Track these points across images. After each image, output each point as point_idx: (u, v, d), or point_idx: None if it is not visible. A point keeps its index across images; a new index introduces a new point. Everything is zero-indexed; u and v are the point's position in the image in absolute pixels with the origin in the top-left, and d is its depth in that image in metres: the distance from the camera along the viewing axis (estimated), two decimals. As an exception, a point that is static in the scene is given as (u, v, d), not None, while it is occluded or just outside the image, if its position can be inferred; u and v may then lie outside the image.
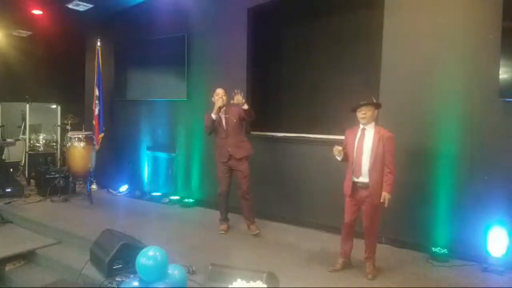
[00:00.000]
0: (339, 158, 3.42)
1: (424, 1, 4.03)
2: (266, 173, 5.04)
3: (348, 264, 3.56)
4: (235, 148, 4.40)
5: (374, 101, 3.41)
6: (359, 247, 3.53)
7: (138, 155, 6.65)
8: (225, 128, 4.43)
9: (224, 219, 4.64)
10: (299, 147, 4.89)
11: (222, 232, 4.54)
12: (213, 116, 4.36)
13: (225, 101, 4.38)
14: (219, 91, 4.44)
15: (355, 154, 3.37)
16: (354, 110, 3.40)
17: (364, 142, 3.35)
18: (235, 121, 4.41)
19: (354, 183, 3.38)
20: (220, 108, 4.34)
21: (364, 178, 3.34)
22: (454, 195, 3.82)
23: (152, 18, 6.21)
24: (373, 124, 3.38)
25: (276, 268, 3.15)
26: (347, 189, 3.42)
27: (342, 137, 3.64)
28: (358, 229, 3.52)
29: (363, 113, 3.33)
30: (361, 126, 3.39)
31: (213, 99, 4.45)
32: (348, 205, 3.45)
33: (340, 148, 3.38)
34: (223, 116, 4.44)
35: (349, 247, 3.54)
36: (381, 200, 3.28)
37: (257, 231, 4.41)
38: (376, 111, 3.39)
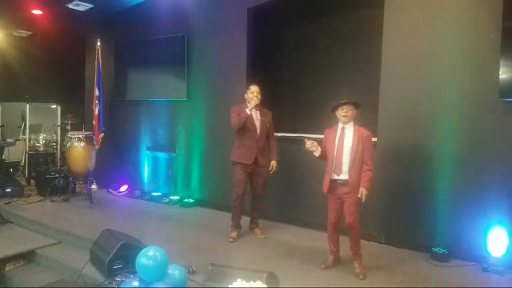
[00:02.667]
0: (316, 154, 3.50)
1: (424, 1, 4.03)
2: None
3: (338, 261, 3.64)
4: (261, 154, 4.23)
5: (354, 100, 3.46)
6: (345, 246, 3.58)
7: (138, 155, 6.65)
8: (258, 131, 4.21)
9: (237, 225, 4.36)
10: (299, 147, 4.88)
11: (231, 240, 4.22)
12: (248, 112, 4.10)
13: (259, 99, 4.18)
14: (254, 88, 4.21)
15: (335, 153, 3.44)
16: (335, 109, 3.47)
17: (345, 140, 3.43)
18: (268, 125, 4.28)
19: (333, 180, 3.46)
20: (256, 105, 4.13)
21: (344, 176, 3.41)
22: (454, 195, 3.82)
23: (152, 18, 6.21)
24: (352, 123, 3.46)
25: (276, 268, 3.15)
26: (325, 186, 3.50)
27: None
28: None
29: (345, 112, 3.40)
30: (341, 125, 3.47)
31: (246, 96, 4.24)
32: (331, 203, 3.54)
33: (311, 141, 3.46)
34: (257, 117, 4.23)
35: (337, 246, 3.62)
36: (359, 196, 3.33)
37: (264, 236, 4.34)
38: (355, 110, 3.45)
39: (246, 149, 4.21)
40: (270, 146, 4.37)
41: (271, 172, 4.28)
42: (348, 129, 3.45)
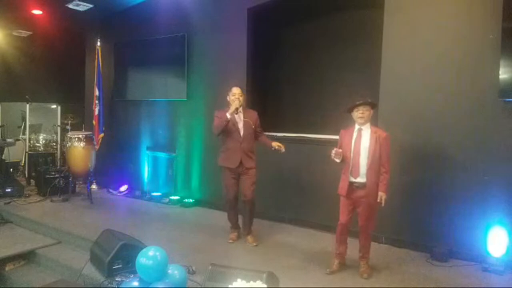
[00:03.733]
0: (338, 161, 3.39)
1: (424, 1, 4.03)
2: (266, 173, 5.03)
3: (343, 265, 3.56)
4: (247, 156, 4.09)
5: (370, 100, 3.39)
6: (351, 246, 3.55)
7: (138, 155, 6.65)
8: (241, 132, 4.09)
9: (235, 227, 4.32)
10: (299, 147, 4.89)
11: (231, 241, 4.21)
12: (228, 116, 3.98)
13: (242, 101, 4.07)
14: (236, 91, 4.09)
15: (352, 155, 3.35)
16: (351, 110, 3.38)
17: (362, 142, 3.34)
18: (253, 126, 4.13)
19: (351, 183, 3.37)
20: (236, 109, 4.01)
21: (361, 178, 3.33)
22: (454, 195, 3.82)
23: (152, 18, 6.21)
24: (368, 124, 3.37)
25: (276, 268, 3.16)
26: (342, 189, 3.41)
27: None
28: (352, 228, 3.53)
29: (361, 113, 3.31)
30: (357, 127, 3.38)
31: (228, 99, 4.13)
32: (344, 205, 3.44)
33: (340, 150, 3.36)
34: (240, 119, 4.11)
35: (345, 248, 3.54)
36: (378, 200, 3.27)
37: (256, 244, 4.13)
38: (372, 111, 3.38)
39: (230, 153, 4.11)
40: (262, 141, 4.25)
41: (282, 150, 4.07)
42: (365, 130, 3.35)
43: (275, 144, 4.10)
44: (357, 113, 3.33)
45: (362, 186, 3.32)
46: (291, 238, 4.42)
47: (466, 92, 3.77)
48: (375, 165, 3.28)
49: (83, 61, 7.56)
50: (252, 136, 4.17)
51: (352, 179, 3.36)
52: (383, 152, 3.29)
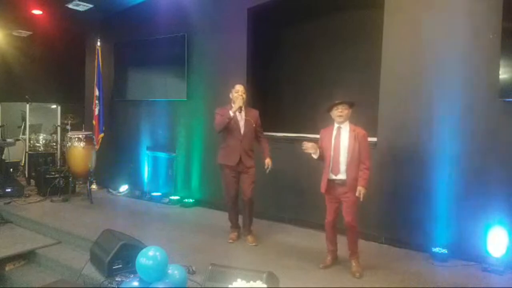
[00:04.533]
0: (315, 156, 3.50)
1: (424, 1, 4.03)
2: (266, 173, 5.03)
3: (336, 260, 3.65)
4: (246, 155, 4.09)
5: (348, 100, 3.46)
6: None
7: (138, 155, 6.65)
8: (242, 131, 4.09)
9: (235, 226, 4.32)
10: (299, 147, 4.87)
11: (231, 241, 4.20)
12: (231, 114, 3.98)
13: (245, 99, 4.08)
14: (239, 88, 4.08)
15: (332, 153, 3.44)
16: (330, 110, 3.47)
17: (341, 140, 3.43)
18: (254, 125, 4.14)
19: (331, 180, 3.46)
20: (240, 107, 4.00)
21: (342, 175, 3.42)
22: (454, 195, 3.82)
23: (152, 18, 6.21)
24: (347, 122, 3.47)
25: (276, 268, 3.16)
26: (322, 186, 3.51)
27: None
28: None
29: (339, 111, 3.41)
30: (336, 125, 3.48)
31: (231, 95, 4.13)
32: (328, 203, 3.55)
33: (311, 144, 3.45)
34: (241, 117, 4.10)
35: (334, 243, 3.63)
36: (357, 195, 3.34)
37: (255, 244, 4.13)
38: (350, 110, 3.45)
39: (230, 150, 4.10)
40: (261, 144, 4.26)
41: (267, 171, 4.14)
42: (344, 128, 3.46)
43: (267, 161, 4.15)
44: (336, 112, 3.43)
45: (343, 183, 3.41)
46: (291, 238, 4.42)
47: (466, 92, 3.76)
48: (355, 162, 3.38)
49: (83, 61, 7.56)
50: (252, 135, 4.17)
51: (333, 176, 3.45)
52: (362, 149, 3.39)
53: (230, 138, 4.10)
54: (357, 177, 3.37)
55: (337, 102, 3.42)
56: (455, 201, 3.81)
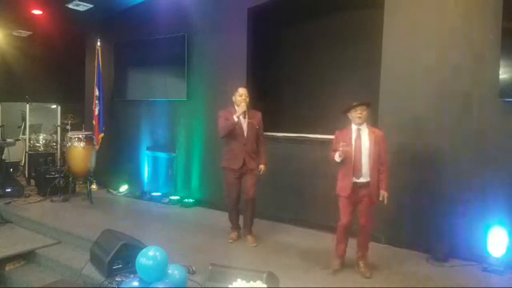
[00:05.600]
0: (338, 160, 3.36)
1: (424, 1, 4.03)
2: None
3: (344, 264, 3.57)
4: (250, 157, 4.08)
5: (366, 101, 3.43)
6: (349, 246, 3.56)
7: (138, 155, 6.65)
8: (245, 134, 4.06)
9: (235, 227, 4.32)
10: (299, 147, 4.89)
11: (231, 241, 4.21)
12: (236, 119, 3.98)
13: (248, 102, 4.05)
14: (243, 91, 4.04)
15: (353, 155, 3.35)
16: (347, 111, 3.41)
17: (362, 142, 3.37)
18: (257, 127, 4.12)
19: (354, 183, 3.36)
20: (244, 112, 4.00)
21: (364, 178, 3.35)
22: (454, 195, 3.82)
23: (152, 18, 6.21)
24: (365, 124, 3.42)
25: (276, 268, 3.15)
26: (345, 190, 3.38)
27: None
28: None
29: (359, 113, 3.35)
30: (355, 127, 3.40)
31: (234, 99, 4.09)
32: (345, 206, 3.42)
33: (346, 149, 3.32)
34: (245, 120, 4.07)
35: (345, 247, 3.54)
36: (380, 199, 3.32)
37: (255, 244, 4.12)
38: (368, 111, 3.41)
39: (234, 154, 4.09)
40: (259, 148, 4.22)
41: (260, 174, 4.15)
42: (363, 130, 3.39)
43: (261, 167, 4.17)
44: (355, 114, 3.36)
45: (365, 185, 3.35)
46: (291, 238, 4.42)
47: (466, 92, 3.76)
48: (376, 164, 3.33)
49: (83, 61, 7.56)
50: (255, 138, 4.16)
51: (355, 180, 3.36)
52: (382, 150, 3.36)
53: (234, 142, 4.09)
54: (378, 179, 3.33)
55: (355, 104, 3.35)
56: (455, 201, 3.81)
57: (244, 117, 4.08)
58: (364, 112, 3.36)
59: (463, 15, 3.79)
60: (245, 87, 4.16)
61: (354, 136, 3.39)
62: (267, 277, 2.78)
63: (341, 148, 3.32)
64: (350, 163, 3.36)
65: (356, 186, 3.36)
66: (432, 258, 3.77)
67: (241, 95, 4.03)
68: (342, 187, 3.41)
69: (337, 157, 3.35)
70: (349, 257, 3.58)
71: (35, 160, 7.16)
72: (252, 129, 4.11)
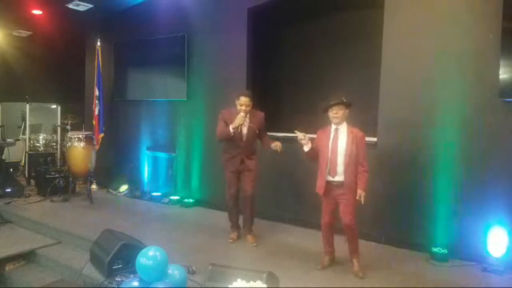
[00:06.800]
0: (305, 149, 3.45)
1: (424, 1, 4.03)
2: (266, 173, 5.03)
3: (334, 261, 3.63)
4: (248, 159, 4.11)
5: (344, 100, 3.40)
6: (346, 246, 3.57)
7: (138, 155, 6.65)
8: (244, 139, 4.05)
9: (235, 226, 4.31)
10: (299, 147, 4.87)
11: (231, 241, 4.20)
12: (232, 130, 3.93)
13: (249, 111, 3.96)
14: (244, 101, 3.89)
15: (330, 154, 3.40)
16: (325, 111, 3.43)
17: (339, 142, 3.40)
18: (257, 131, 4.10)
19: (329, 182, 3.42)
20: (240, 125, 3.92)
21: (339, 177, 3.39)
22: (454, 195, 3.82)
23: (152, 18, 6.21)
24: (345, 124, 3.43)
25: (276, 268, 3.16)
26: (320, 188, 3.46)
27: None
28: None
29: (334, 113, 3.36)
30: (334, 126, 3.43)
31: (236, 103, 3.98)
32: (325, 204, 3.52)
33: (303, 134, 3.40)
34: (245, 124, 4.02)
35: (332, 244, 3.61)
36: (357, 198, 3.33)
37: (255, 244, 4.11)
38: (347, 111, 3.40)
39: (231, 157, 4.12)
40: (263, 141, 4.23)
41: (278, 151, 4.03)
42: (341, 130, 3.42)
43: (273, 145, 4.08)
44: (331, 113, 3.39)
45: (340, 184, 3.39)
46: (291, 238, 4.42)
47: (466, 92, 3.77)
48: (352, 164, 3.35)
49: (83, 61, 7.56)
50: (254, 140, 4.19)
51: (330, 178, 3.42)
52: (360, 151, 3.37)
53: (231, 145, 4.11)
54: (355, 179, 3.35)
55: (332, 103, 3.36)
56: (455, 201, 3.81)
57: (243, 126, 4.01)
58: (341, 112, 3.36)
59: (463, 15, 3.79)
60: (248, 95, 3.98)
61: (332, 135, 3.43)
62: (267, 277, 2.78)
63: (298, 134, 3.40)
64: (326, 162, 3.40)
65: (331, 185, 3.42)
66: (432, 258, 3.77)
67: (241, 104, 3.92)
68: (319, 185, 3.48)
69: (305, 148, 3.46)
70: (346, 257, 3.59)
71: (35, 160, 7.16)
72: (252, 133, 4.10)
